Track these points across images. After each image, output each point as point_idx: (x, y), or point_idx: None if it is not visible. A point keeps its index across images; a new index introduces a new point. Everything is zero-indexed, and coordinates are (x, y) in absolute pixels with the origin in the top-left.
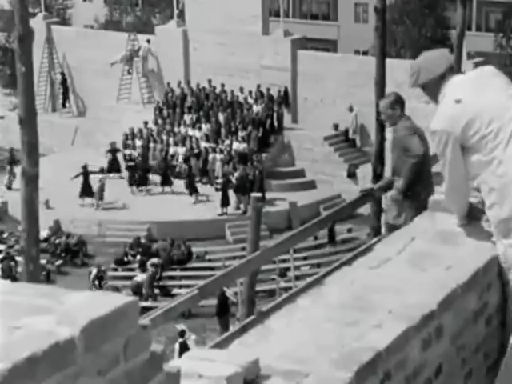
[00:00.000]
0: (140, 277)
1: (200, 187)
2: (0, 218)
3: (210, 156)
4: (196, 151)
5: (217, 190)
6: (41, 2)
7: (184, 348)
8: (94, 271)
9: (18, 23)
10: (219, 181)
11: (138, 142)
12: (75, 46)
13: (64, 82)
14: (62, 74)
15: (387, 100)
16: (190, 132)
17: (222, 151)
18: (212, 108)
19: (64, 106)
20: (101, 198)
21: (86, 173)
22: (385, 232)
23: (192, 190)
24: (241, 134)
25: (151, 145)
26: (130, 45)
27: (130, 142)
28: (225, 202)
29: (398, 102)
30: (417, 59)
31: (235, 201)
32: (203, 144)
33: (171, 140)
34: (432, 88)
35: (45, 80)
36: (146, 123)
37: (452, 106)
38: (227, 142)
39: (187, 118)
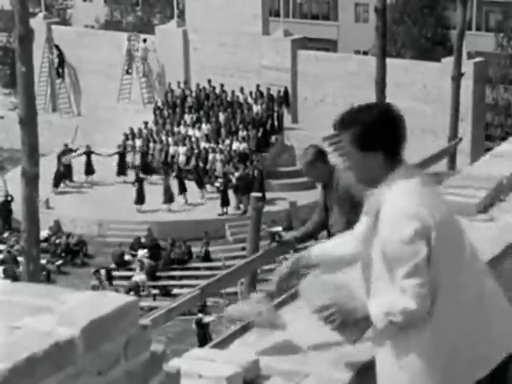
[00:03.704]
0: (138, 277)
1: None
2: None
3: (210, 156)
4: (196, 151)
5: (218, 190)
6: (41, 2)
7: (201, 326)
8: (103, 271)
9: (19, 23)
10: (220, 181)
11: (138, 142)
12: (75, 46)
13: (60, 54)
14: (56, 46)
15: (305, 160)
16: (190, 132)
17: (222, 151)
18: (212, 108)
19: (59, 76)
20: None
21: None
22: None
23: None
24: (241, 133)
25: (151, 145)
26: (129, 45)
27: (130, 142)
28: (225, 201)
29: (319, 156)
30: None
31: (235, 201)
32: (203, 144)
33: (171, 140)
34: None
35: (45, 80)
36: (146, 123)
37: None
38: (227, 141)
39: (187, 117)
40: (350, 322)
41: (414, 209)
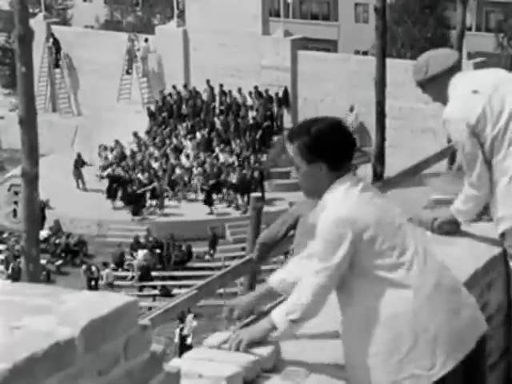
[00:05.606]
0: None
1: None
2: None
3: (178, 171)
4: (165, 167)
5: (202, 190)
6: (41, 2)
7: (183, 338)
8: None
9: (18, 23)
10: (205, 187)
11: (110, 157)
12: (75, 46)
13: (56, 42)
14: (52, 34)
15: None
16: (184, 142)
17: (204, 163)
18: (208, 113)
19: (57, 66)
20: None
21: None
22: None
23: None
24: (234, 145)
25: (138, 155)
26: (129, 45)
27: (118, 150)
28: (208, 201)
29: None
30: (422, 56)
31: (234, 201)
32: (184, 161)
33: (157, 153)
34: (437, 84)
35: (45, 80)
36: (135, 134)
37: (468, 96)
38: (217, 149)
39: (181, 127)
40: (258, 336)
41: (343, 214)
